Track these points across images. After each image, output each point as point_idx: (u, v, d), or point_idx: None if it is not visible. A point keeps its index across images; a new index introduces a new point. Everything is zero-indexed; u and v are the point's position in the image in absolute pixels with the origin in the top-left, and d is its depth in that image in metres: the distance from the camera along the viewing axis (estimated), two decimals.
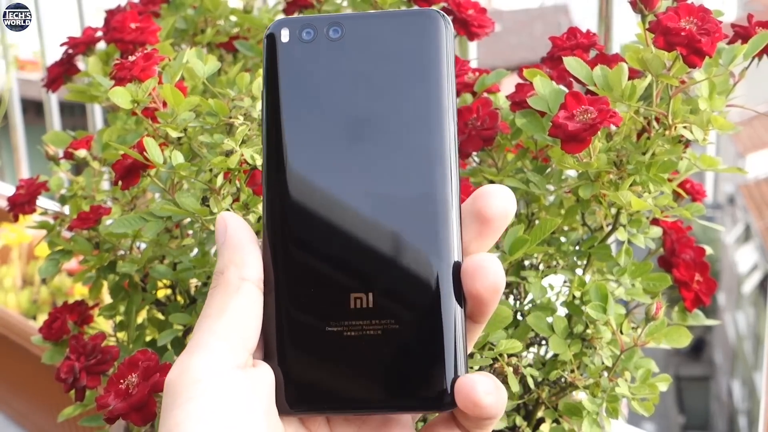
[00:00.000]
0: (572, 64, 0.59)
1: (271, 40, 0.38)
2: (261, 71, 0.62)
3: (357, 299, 0.37)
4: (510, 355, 0.61)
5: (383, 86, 0.37)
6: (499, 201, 0.38)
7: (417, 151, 0.37)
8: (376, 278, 0.37)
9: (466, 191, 0.58)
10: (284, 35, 0.38)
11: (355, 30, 0.37)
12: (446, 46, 0.37)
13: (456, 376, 0.37)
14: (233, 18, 0.84)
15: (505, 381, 0.62)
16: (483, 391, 0.36)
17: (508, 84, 0.70)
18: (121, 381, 0.55)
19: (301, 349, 0.37)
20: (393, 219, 0.37)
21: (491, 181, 0.68)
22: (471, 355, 0.58)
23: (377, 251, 0.37)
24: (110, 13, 0.79)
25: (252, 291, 0.39)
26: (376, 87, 0.37)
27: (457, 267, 0.37)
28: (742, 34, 0.61)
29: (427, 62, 0.37)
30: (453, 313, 0.37)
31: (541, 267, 0.67)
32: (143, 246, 0.70)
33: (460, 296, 0.37)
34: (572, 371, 0.62)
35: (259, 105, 0.62)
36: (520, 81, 0.66)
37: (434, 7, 0.74)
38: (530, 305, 0.67)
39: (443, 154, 0.37)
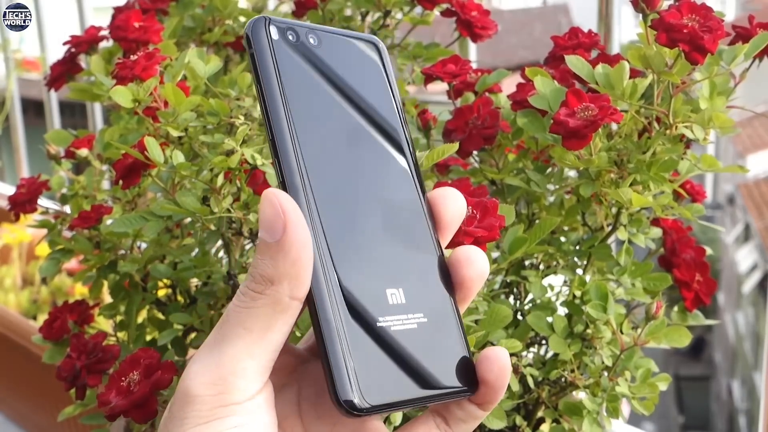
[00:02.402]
0: (574, 62, 0.59)
1: (264, 33, 0.38)
2: None
3: (392, 295, 0.38)
4: (510, 355, 0.61)
5: (356, 94, 0.40)
6: (452, 203, 0.41)
7: (392, 155, 0.41)
8: (400, 275, 0.39)
9: (466, 190, 0.58)
10: (273, 32, 0.38)
11: (326, 41, 0.40)
12: (386, 65, 0.42)
13: (471, 359, 0.40)
14: (242, 18, 0.84)
15: None
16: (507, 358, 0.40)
17: (508, 84, 0.70)
18: (123, 378, 0.55)
19: (364, 347, 0.37)
20: (393, 220, 0.39)
21: (492, 181, 0.68)
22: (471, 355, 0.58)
23: (393, 251, 0.39)
24: (117, 10, 0.80)
25: (296, 311, 0.37)
26: (352, 94, 0.40)
27: (442, 261, 0.40)
28: (743, 34, 0.61)
29: (379, 76, 0.41)
30: (455, 302, 0.40)
31: (541, 267, 0.67)
32: (144, 245, 0.70)
33: (452, 287, 0.41)
34: (572, 371, 0.62)
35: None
36: (520, 81, 0.66)
37: (437, 9, 0.75)
38: (530, 305, 0.67)
39: (408, 158, 0.41)
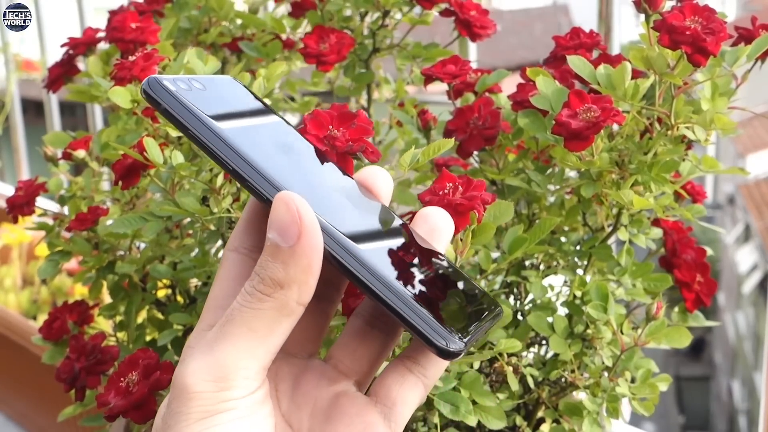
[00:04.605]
0: (576, 62, 0.59)
1: (162, 87, 0.40)
2: (260, 71, 0.62)
3: (405, 256, 0.41)
4: (510, 355, 0.61)
5: (257, 117, 0.43)
6: (382, 179, 0.43)
7: (314, 155, 0.43)
8: (397, 243, 0.41)
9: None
10: (168, 85, 0.40)
11: (206, 83, 0.42)
12: (252, 93, 0.45)
13: (482, 286, 0.43)
14: (238, 21, 0.84)
15: (504, 380, 0.62)
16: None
17: (508, 84, 0.70)
18: (122, 379, 0.55)
19: (429, 300, 0.39)
20: (356, 204, 0.42)
21: (493, 181, 0.68)
22: (471, 353, 0.58)
23: (378, 227, 0.41)
24: (112, 13, 0.79)
25: (300, 315, 0.37)
26: (255, 118, 0.43)
27: (407, 225, 0.43)
28: (745, 35, 0.61)
29: (256, 102, 0.44)
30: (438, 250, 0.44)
31: (541, 267, 0.67)
32: (143, 246, 0.70)
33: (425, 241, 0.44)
34: (572, 371, 0.62)
35: None
36: (520, 81, 0.66)
37: (435, 10, 0.76)
38: (530, 305, 0.66)
39: (321, 153, 0.44)
